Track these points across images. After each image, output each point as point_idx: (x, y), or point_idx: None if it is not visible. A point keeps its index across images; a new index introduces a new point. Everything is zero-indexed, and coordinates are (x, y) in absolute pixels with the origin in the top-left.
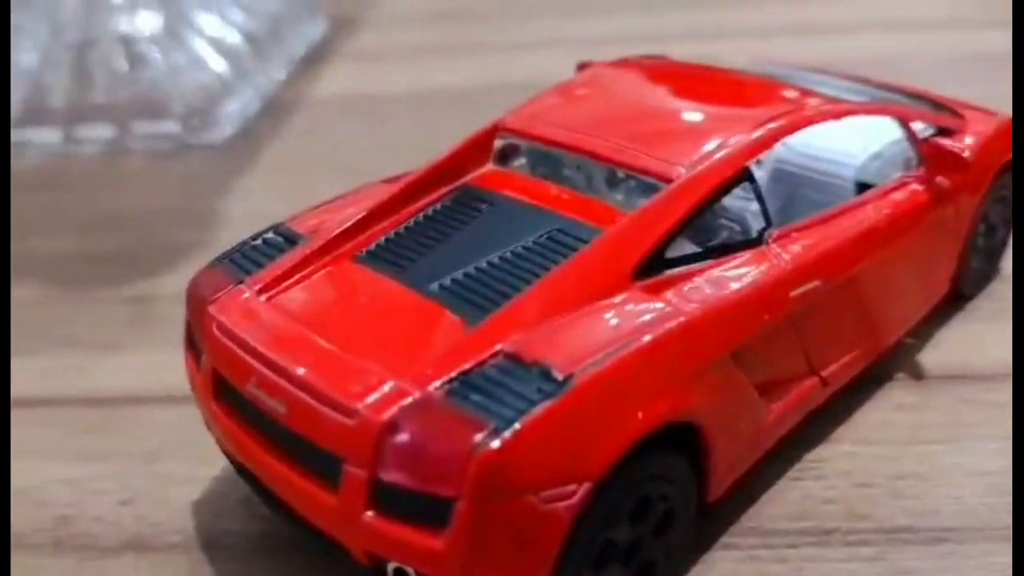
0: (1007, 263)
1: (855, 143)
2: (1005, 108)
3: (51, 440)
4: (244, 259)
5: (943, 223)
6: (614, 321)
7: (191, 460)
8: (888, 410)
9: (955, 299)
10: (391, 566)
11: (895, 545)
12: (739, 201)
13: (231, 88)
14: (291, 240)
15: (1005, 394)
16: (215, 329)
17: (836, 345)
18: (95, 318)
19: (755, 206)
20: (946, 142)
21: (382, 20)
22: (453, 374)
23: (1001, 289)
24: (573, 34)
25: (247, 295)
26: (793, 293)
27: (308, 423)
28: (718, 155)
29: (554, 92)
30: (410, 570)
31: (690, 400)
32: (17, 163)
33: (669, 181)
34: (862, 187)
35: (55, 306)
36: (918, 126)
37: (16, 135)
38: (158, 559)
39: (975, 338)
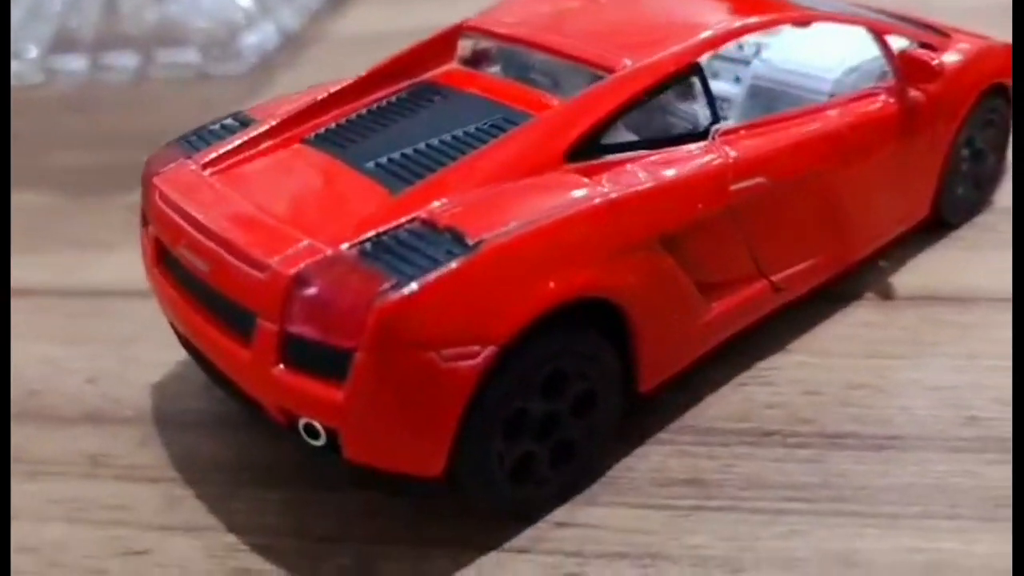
0: (1003, 195)
1: (832, 57)
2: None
3: (39, 325)
4: (199, 139)
5: (916, 140)
6: (536, 195)
7: (161, 347)
8: (850, 326)
9: (938, 226)
10: (301, 422)
11: (834, 449)
12: (693, 99)
13: (253, 21)
14: (247, 124)
15: (973, 316)
16: (157, 198)
17: (789, 251)
18: (97, 221)
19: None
20: (920, 51)
21: None
22: (368, 236)
23: (992, 220)
24: None
25: (192, 169)
26: (734, 187)
27: (227, 280)
28: (664, 50)
29: None
30: (318, 425)
31: (609, 278)
32: (47, 88)
33: (613, 72)
34: None
35: (64, 211)
36: (900, 42)
37: (48, 61)
38: (111, 430)
39: (952, 264)
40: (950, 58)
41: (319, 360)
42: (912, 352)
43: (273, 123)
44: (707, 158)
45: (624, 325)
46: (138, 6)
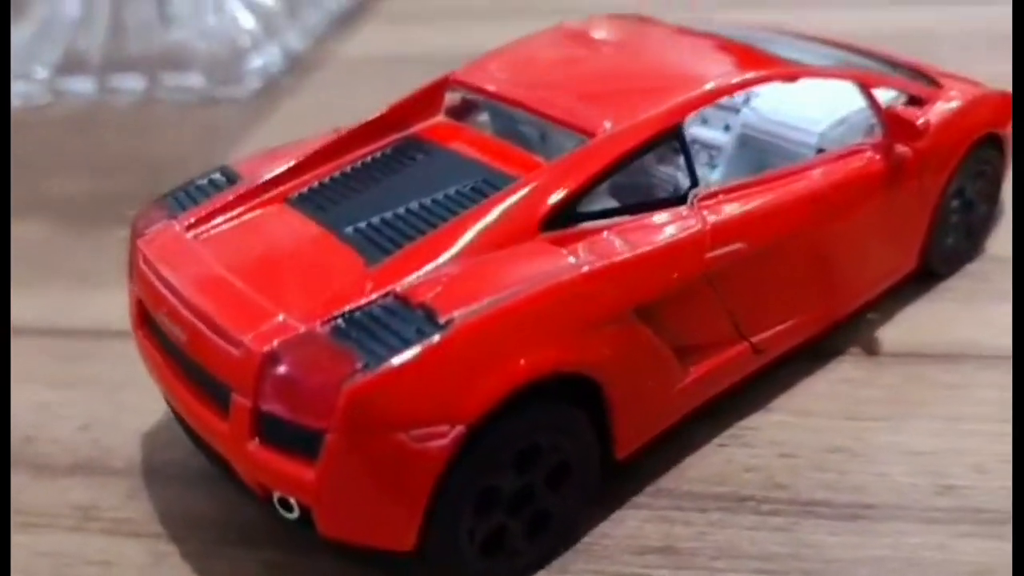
0: (996, 243)
1: (820, 109)
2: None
3: (32, 366)
4: (186, 197)
5: (903, 194)
6: (509, 269)
7: (154, 392)
8: (832, 383)
9: (926, 277)
10: (276, 495)
11: (807, 518)
12: (673, 162)
13: (259, 45)
14: (233, 181)
15: (958, 375)
16: (141, 260)
17: (770, 312)
18: (93, 255)
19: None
20: (905, 109)
21: None
22: (341, 311)
23: (982, 269)
24: (613, 2)
25: (176, 230)
26: (710, 255)
27: (204, 352)
28: (644, 113)
29: (514, 46)
30: (292, 500)
31: (582, 353)
32: (54, 109)
33: (593, 136)
34: None
35: (61, 241)
36: (889, 94)
37: (55, 83)
38: (99, 481)
39: (939, 318)
40: (940, 110)
41: (292, 438)
42: (892, 413)
43: (258, 182)
44: (684, 225)
45: (599, 396)
46: (144, 28)
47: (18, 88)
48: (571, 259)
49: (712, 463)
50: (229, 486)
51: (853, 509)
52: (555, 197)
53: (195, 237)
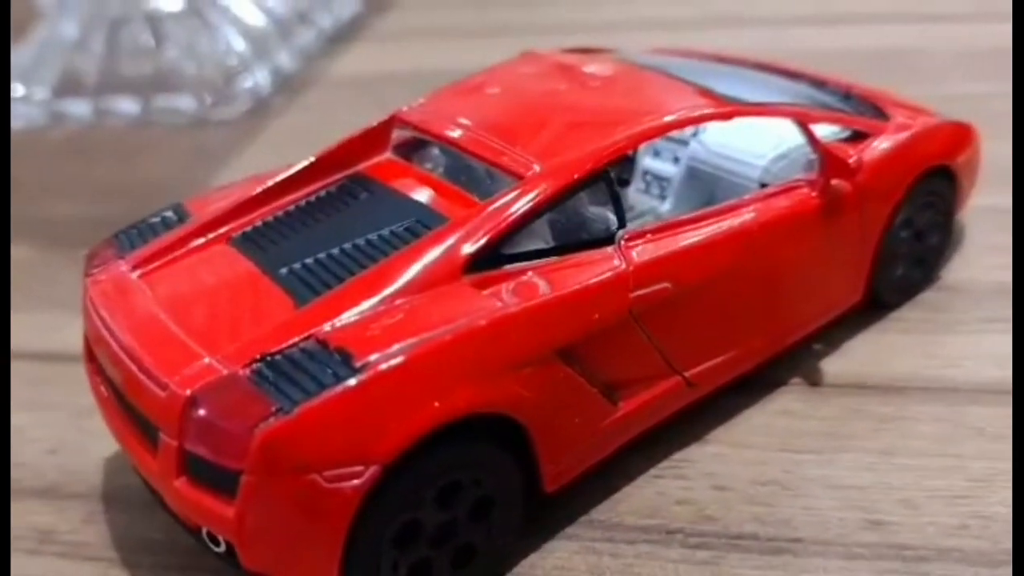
0: (951, 272)
1: (765, 144)
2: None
3: (13, 391)
4: (137, 235)
5: (841, 228)
6: (429, 312)
7: None
8: (771, 415)
9: (876, 307)
10: (204, 529)
11: (733, 551)
12: (601, 204)
13: (249, 66)
14: (183, 219)
15: (895, 408)
16: (87, 300)
17: (704, 347)
18: (75, 279)
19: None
20: (839, 146)
21: (415, 1)
22: (263, 354)
23: (936, 299)
24: (602, 19)
25: (121, 270)
26: (634, 294)
27: (135, 393)
28: (572, 156)
29: (464, 83)
30: (219, 535)
31: (499, 394)
32: (51, 132)
33: (521, 178)
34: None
35: (50, 267)
36: (833, 128)
37: (53, 105)
38: (60, 505)
39: (884, 349)
40: (882, 145)
41: (213, 477)
42: (826, 446)
43: (203, 221)
44: (608, 266)
45: (522, 435)
46: (138, 51)
47: (19, 110)
48: (492, 301)
49: (645, 495)
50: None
51: (779, 543)
52: (479, 240)
53: (139, 276)
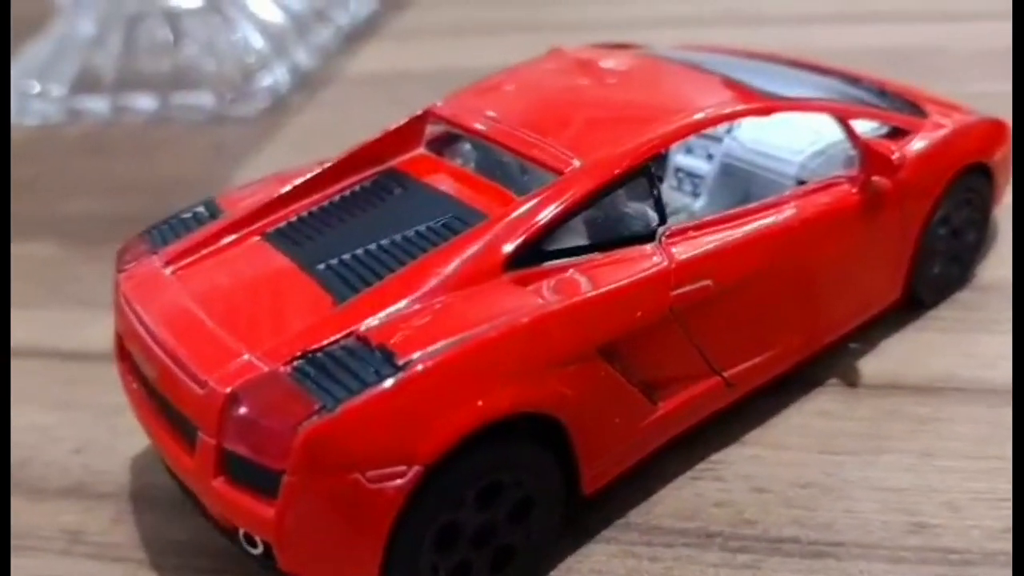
0: (987, 270)
1: (801, 140)
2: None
3: (33, 389)
4: (169, 230)
5: (881, 226)
6: (470, 309)
7: None
8: (808, 415)
9: (914, 306)
10: (241, 531)
11: (773, 555)
12: (642, 200)
13: (267, 63)
14: (215, 215)
15: (932, 408)
16: (120, 296)
17: (743, 346)
18: (98, 277)
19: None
20: (881, 142)
21: None
22: (304, 352)
23: (972, 298)
24: (622, 16)
25: (154, 266)
26: (676, 292)
27: (172, 389)
28: (612, 151)
29: (498, 77)
30: (256, 537)
31: (542, 393)
32: (69, 129)
33: (561, 173)
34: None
35: (67, 263)
36: (872, 124)
37: (71, 101)
38: (88, 505)
39: (921, 349)
40: (921, 141)
41: (253, 476)
42: (866, 448)
43: (237, 217)
44: (649, 263)
45: (563, 434)
46: (156, 48)
47: (36, 107)
48: (534, 298)
49: (683, 497)
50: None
51: (820, 547)
52: (519, 237)
53: (173, 272)
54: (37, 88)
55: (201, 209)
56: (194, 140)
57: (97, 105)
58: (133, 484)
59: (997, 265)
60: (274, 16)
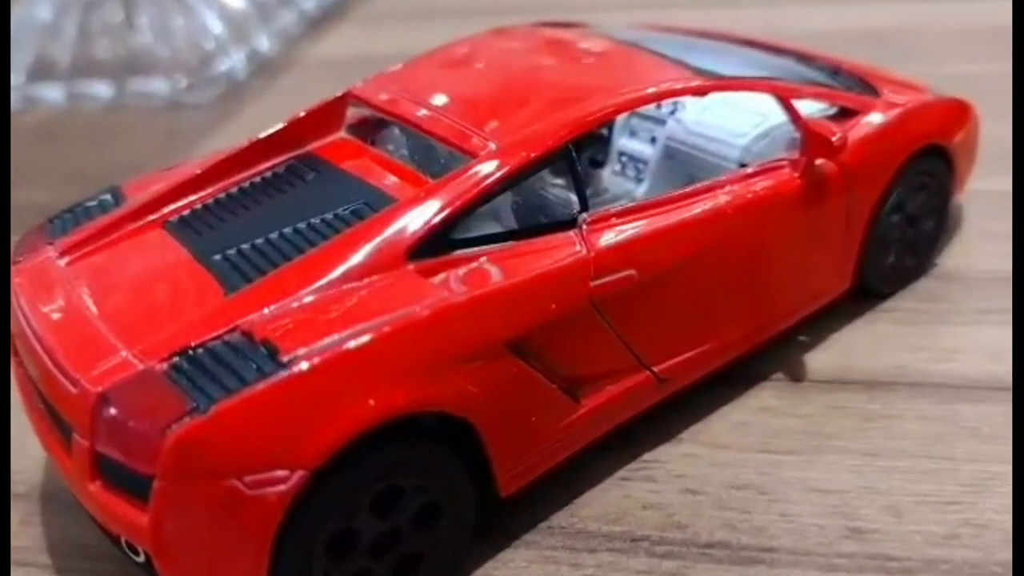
0: (949, 259)
1: (746, 122)
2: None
3: None
4: (71, 219)
5: (825, 211)
6: (368, 302)
7: None
8: (750, 412)
9: (867, 296)
10: (123, 539)
11: (702, 561)
12: (563, 184)
13: (225, 48)
14: (119, 203)
15: (882, 405)
16: (12, 292)
17: (674, 339)
18: None
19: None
20: (822, 123)
21: None
22: (184, 348)
23: (931, 288)
24: (592, 1)
25: (48, 257)
26: (596, 282)
27: (50, 389)
28: (530, 132)
29: (424, 58)
30: (137, 544)
31: (444, 391)
32: (26, 116)
33: (475, 156)
34: None
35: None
36: (819, 105)
37: (27, 89)
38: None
39: (872, 341)
40: (870, 122)
41: (127, 481)
42: (808, 447)
43: (137, 205)
44: (567, 251)
45: (472, 435)
46: (111, 34)
47: None
48: (438, 290)
49: (610, 498)
50: None
51: (751, 552)
52: (426, 223)
53: (67, 263)
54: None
55: (107, 196)
56: (149, 127)
57: (52, 93)
58: (44, 484)
59: (961, 253)
60: (235, 1)
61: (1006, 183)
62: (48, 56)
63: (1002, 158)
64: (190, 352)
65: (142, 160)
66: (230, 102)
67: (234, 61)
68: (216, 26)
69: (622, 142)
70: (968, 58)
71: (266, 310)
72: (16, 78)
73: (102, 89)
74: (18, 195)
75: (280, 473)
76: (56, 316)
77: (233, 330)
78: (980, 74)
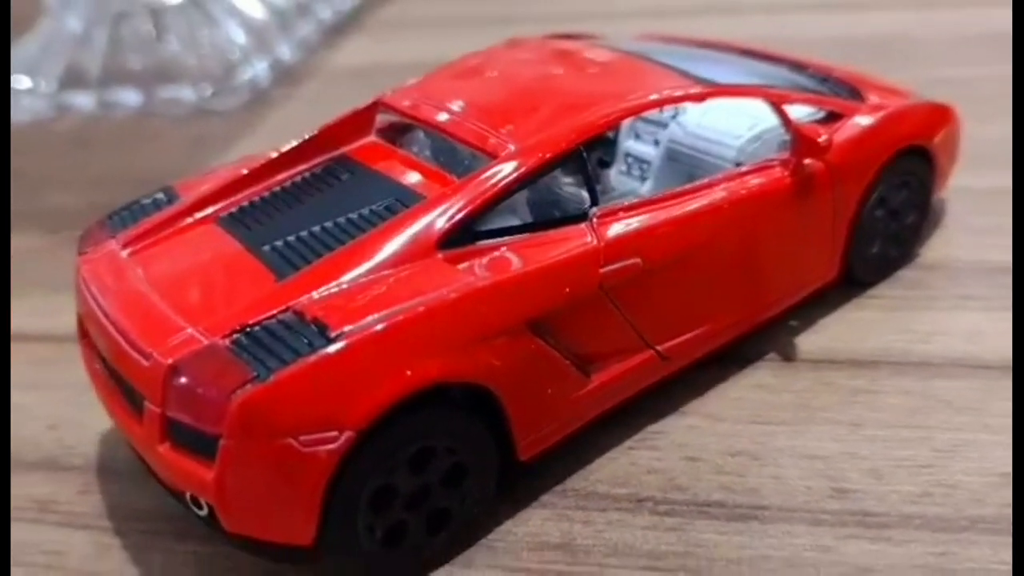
0: (931, 250)
1: (741, 125)
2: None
3: (16, 371)
4: (128, 215)
5: (813, 206)
6: (403, 286)
7: None
8: (745, 388)
9: (853, 285)
10: (187, 493)
11: (701, 518)
12: (575, 181)
13: (249, 58)
14: (173, 200)
15: (866, 381)
16: (80, 279)
17: (677, 321)
18: (73, 265)
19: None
20: (810, 126)
21: None
22: (243, 326)
23: (913, 277)
24: (604, 9)
25: (112, 249)
26: (604, 269)
27: (122, 364)
28: (545, 136)
29: (448, 68)
30: (200, 499)
31: (470, 364)
32: (57, 124)
33: (495, 157)
34: None
35: (56, 253)
36: (806, 110)
37: (59, 97)
38: (60, 476)
39: (859, 325)
40: (854, 125)
41: (195, 442)
42: (797, 418)
43: (191, 202)
44: (579, 242)
45: (495, 404)
46: (140, 43)
47: (26, 103)
48: (464, 276)
49: (618, 465)
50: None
51: (744, 510)
52: (453, 217)
53: (129, 255)
54: (27, 84)
55: (160, 195)
56: (176, 133)
57: (83, 100)
58: (101, 457)
59: (943, 245)
60: (257, 11)
61: (988, 180)
62: (79, 65)
63: (987, 156)
64: (249, 329)
65: (170, 165)
66: (254, 109)
67: (257, 70)
68: (239, 36)
69: (628, 144)
70: (961, 63)
71: (314, 294)
72: (48, 86)
73: (131, 97)
74: (50, 199)
75: (330, 434)
76: (125, 300)
77: (286, 310)
78: (970, 78)
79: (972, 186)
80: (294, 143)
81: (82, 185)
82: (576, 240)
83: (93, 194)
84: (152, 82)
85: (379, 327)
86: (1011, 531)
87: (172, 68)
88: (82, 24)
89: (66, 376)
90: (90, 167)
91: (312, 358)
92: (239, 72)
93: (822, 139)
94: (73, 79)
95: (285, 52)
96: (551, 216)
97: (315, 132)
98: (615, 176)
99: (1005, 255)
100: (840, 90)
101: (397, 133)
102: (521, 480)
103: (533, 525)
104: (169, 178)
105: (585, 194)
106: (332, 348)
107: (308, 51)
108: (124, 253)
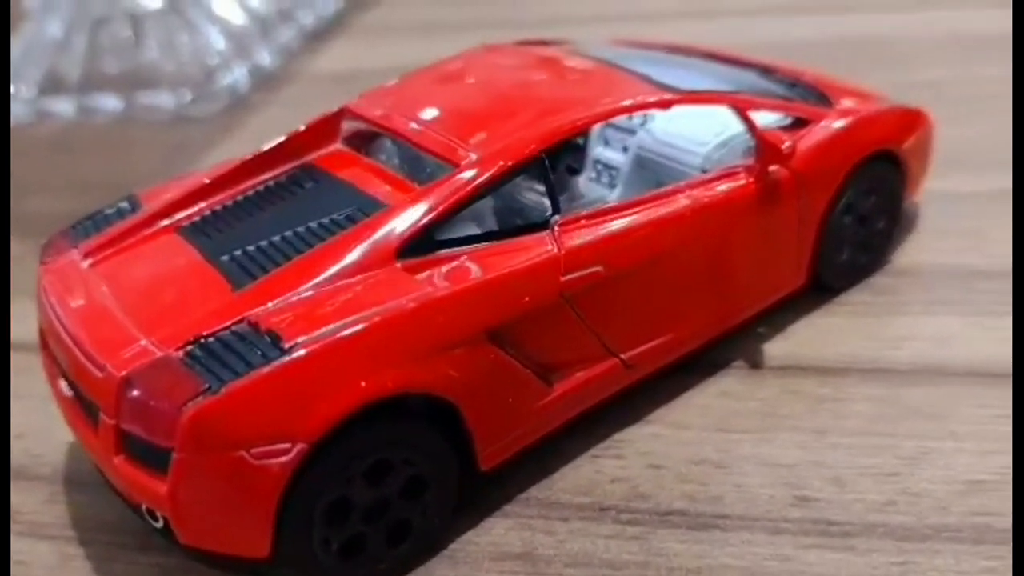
0: (902, 256)
1: (708, 131)
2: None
3: None
4: (91, 225)
5: (778, 213)
6: (360, 296)
7: None
8: (710, 396)
9: (821, 291)
10: (144, 506)
11: (662, 527)
12: (536, 190)
13: (228, 63)
14: (136, 210)
15: (832, 388)
16: (40, 289)
17: (640, 329)
18: None
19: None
20: (773, 132)
21: None
22: (197, 337)
23: (883, 283)
24: (583, 13)
25: (72, 259)
26: (565, 278)
27: (79, 375)
28: (506, 144)
29: (415, 75)
30: (157, 511)
31: (428, 375)
32: (37, 129)
33: (456, 165)
34: None
35: (21, 260)
36: (772, 117)
37: (39, 103)
38: (26, 486)
39: (827, 331)
40: (820, 131)
41: (148, 454)
42: (762, 426)
43: (152, 211)
44: (539, 250)
45: (455, 415)
46: (120, 49)
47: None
48: (423, 285)
49: (582, 473)
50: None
51: (706, 519)
52: (412, 226)
53: (90, 265)
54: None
55: (124, 204)
56: (156, 139)
57: (63, 106)
58: (66, 466)
59: (914, 251)
60: (237, 17)
61: (961, 184)
62: (59, 71)
63: (958, 160)
64: (202, 341)
65: (149, 170)
66: (233, 115)
67: (237, 75)
68: (219, 42)
69: (597, 151)
70: (938, 64)
71: (270, 304)
72: (28, 92)
73: (111, 103)
74: (30, 204)
75: (283, 446)
76: (82, 311)
77: (240, 321)
78: (944, 80)
79: (947, 190)
80: (259, 150)
81: (62, 191)
82: (536, 249)
83: (74, 200)
84: (132, 87)
85: (334, 337)
86: (974, 540)
87: (152, 74)
88: (62, 29)
89: (34, 385)
90: (70, 173)
91: (265, 369)
92: (218, 77)
93: (785, 146)
94: (53, 84)
95: (265, 57)
96: (512, 224)
97: (281, 140)
98: (584, 183)
99: (977, 259)
100: (809, 95)
101: (364, 141)
102: (483, 489)
103: (495, 535)
104: (150, 183)
105: (547, 202)
106: (285, 359)
107: (289, 56)
108: (84, 263)
